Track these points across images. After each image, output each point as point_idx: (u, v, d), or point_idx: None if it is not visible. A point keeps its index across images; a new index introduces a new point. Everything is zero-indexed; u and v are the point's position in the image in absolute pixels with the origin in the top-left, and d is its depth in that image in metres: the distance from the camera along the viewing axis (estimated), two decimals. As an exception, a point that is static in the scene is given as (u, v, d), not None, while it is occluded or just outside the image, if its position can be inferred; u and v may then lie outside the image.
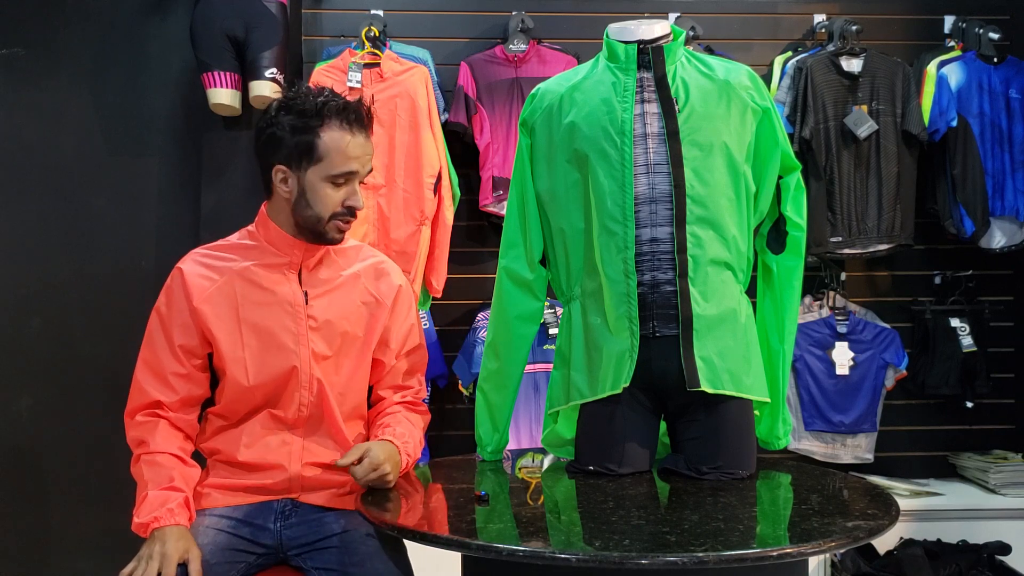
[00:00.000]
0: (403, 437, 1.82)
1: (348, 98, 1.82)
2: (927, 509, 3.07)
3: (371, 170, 1.83)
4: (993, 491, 3.19)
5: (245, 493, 1.82)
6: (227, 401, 1.82)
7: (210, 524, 1.74)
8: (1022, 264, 3.46)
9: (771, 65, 3.34)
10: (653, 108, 1.82)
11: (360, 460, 1.69)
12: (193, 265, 1.84)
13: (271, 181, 1.81)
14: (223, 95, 3.02)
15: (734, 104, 1.83)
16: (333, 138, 1.75)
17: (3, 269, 3.18)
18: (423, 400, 2.00)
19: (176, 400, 1.80)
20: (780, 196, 1.93)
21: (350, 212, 1.80)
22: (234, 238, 1.90)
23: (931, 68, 3.27)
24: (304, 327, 1.81)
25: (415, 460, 1.87)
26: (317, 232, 1.81)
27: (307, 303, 1.83)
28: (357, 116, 1.77)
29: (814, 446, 3.29)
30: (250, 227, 1.90)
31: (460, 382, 3.18)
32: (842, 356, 3.27)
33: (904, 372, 3.32)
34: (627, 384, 1.78)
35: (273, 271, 1.83)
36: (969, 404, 3.34)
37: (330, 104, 1.76)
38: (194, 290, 1.80)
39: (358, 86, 3.10)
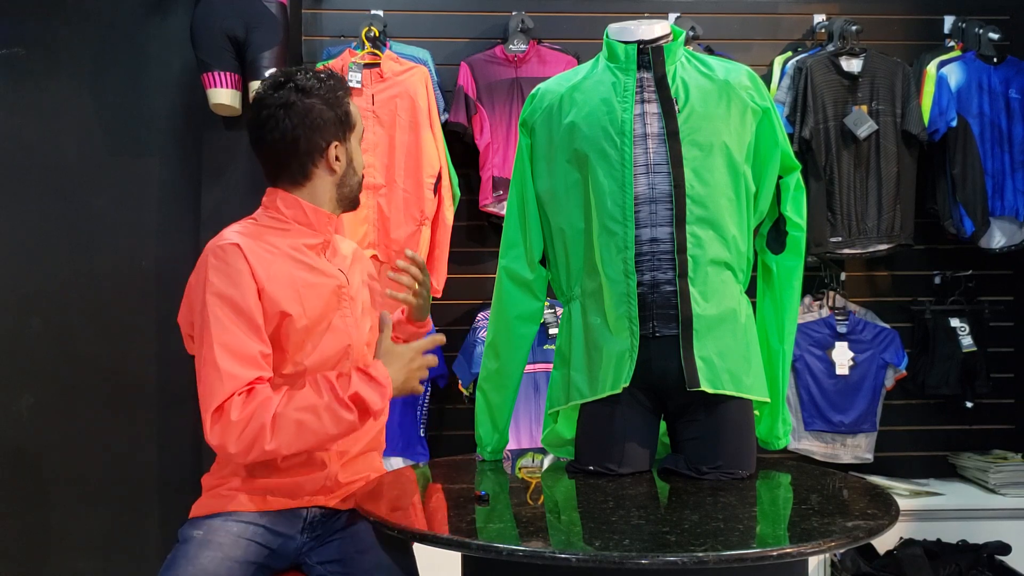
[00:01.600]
0: None
1: (351, 99, 1.87)
2: (927, 509, 3.07)
3: None
4: (993, 491, 3.19)
5: (275, 497, 1.74)
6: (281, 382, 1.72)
7: (240, 532, 1.67)
8: (1022, 264, 3.46)
9: (771, 65, 3.34)
10: (653, 108, 1.82)
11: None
12: (246, 240, 1.71)
13: (320, 162, 1.78)
14: (223, 95, 3.02)
15: (734, 104, 1.83)
16: (354, 104, 1.87)
17: (3, 269, 3.18)
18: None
19: (270, 379, 1.66)
20: (780, 196, 1.93)
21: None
22: (250, 221, 1.81)
23: (931, 68, 3.27)
24: (352, 308, 1.83)
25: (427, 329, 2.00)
26: (355, 198, 1.89)
27: (348, 283, 1.83)
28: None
29: (814, 446, 3.29)
30: (256, 214, 1.82)
31: (460, 382, 3.18)
32: (842, 356, 3.27)
33: (904, 372, 3.32)
34: (627, 384, 1.78)
35: (315, 251, 1.80)
36: (969, 404, 3.34)
37: (337, 76, 1.84)
38: (257, 266, 1.68)
39: (358, 86, 3.10)
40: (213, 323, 1.62)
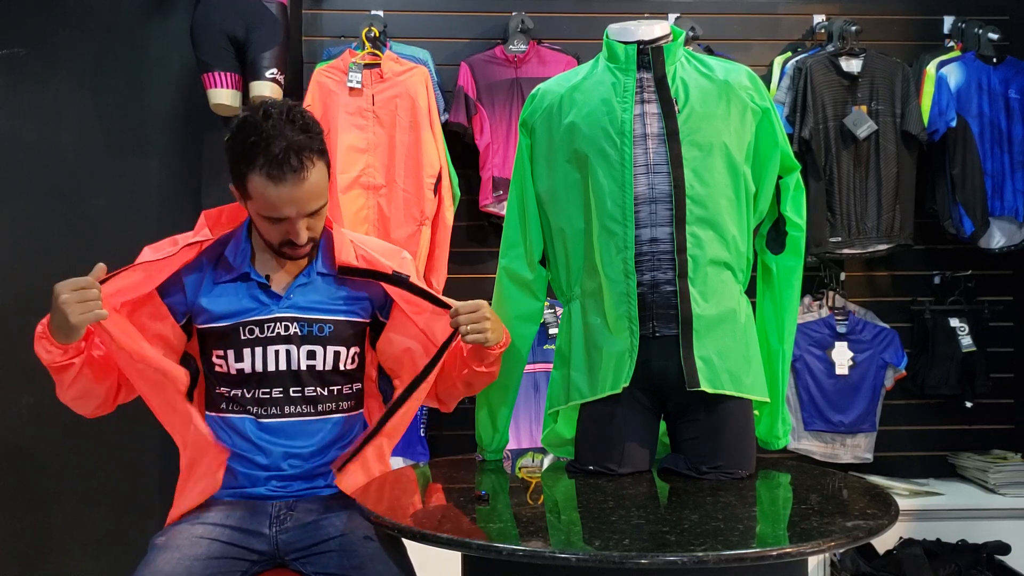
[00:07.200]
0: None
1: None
2: (927, 509, 3.07)
3: (316, 210, 1.76)
4: (992, 491, 3.19)
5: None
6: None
7: (203, 534, 1.72)
8: (1021, 264, 3.46)
9: (771, 65, 3.34)
10: (653, 108, 1.82)
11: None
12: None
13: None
14: (223, 95, 3.02)
15: (734, 104, 1.83)
16: (257, 186, 1.72)
17: (3, 269, 3.19)
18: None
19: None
20: (780, 196, 1.93)
21: (292, 245, 1.79)
22: None
23: (930, 68, 3.27)
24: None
25: (507, 343, 1.86)
26: (273, 251, 1.85)
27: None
28: (282, 164, 1.69)
29: (814, 446, 3.29)
30: None
31: (460, 382, 3.17)
32: (841, 356, 3.27)
33: (903, 372, 3.32)
34: (627, 384, 1.78)
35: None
36: (968, 404, 3.34)
37: (256, 150, 1.69)
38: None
39: (358, 86, 3.10)
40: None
